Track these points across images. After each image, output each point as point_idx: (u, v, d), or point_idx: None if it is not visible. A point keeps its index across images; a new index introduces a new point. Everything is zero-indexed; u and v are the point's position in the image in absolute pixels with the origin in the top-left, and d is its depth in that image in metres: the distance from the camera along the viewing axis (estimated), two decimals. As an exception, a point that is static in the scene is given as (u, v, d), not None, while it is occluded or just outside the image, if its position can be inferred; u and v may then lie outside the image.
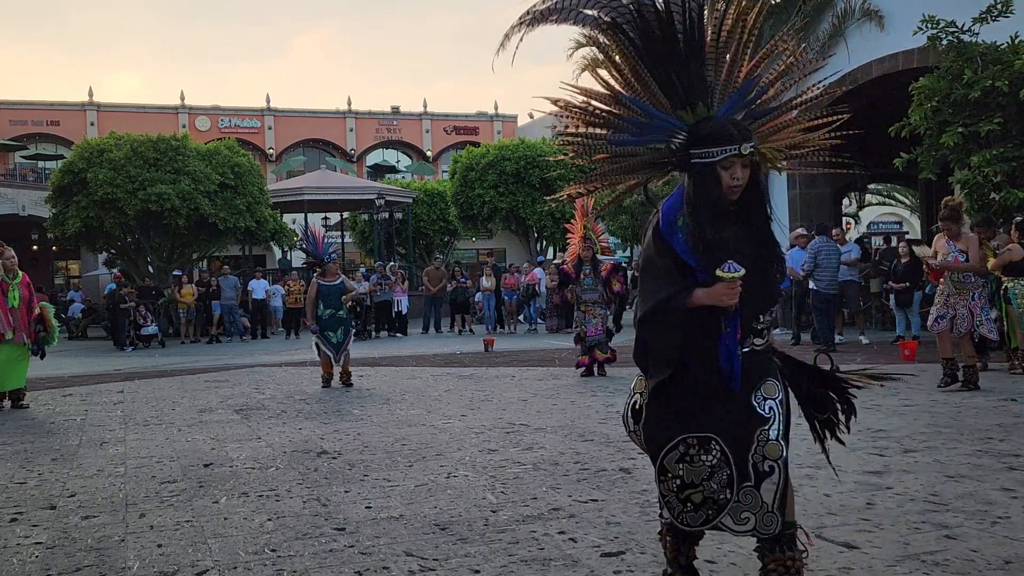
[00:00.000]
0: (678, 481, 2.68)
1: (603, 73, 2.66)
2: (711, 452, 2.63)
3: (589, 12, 2.62)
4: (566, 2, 2.64)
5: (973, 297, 7.88)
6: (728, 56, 2.65)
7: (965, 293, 7.88)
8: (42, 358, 9.19)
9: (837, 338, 12.86)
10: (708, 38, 2.62)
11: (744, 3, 2.63)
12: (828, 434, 2.98)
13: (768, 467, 2.62)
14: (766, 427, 2.64)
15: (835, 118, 2.75)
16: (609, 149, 2.72)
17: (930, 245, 8.98)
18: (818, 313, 12.65)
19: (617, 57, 2.62)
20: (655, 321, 2.67)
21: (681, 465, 2.66)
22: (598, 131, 2.72)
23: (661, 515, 2.89)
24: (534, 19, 2.71)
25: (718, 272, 2.57)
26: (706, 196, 2.61)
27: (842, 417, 2.95)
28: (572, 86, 2.74)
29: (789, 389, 2.80)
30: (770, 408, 2.66)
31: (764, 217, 2.70)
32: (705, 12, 2.62)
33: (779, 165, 2.84)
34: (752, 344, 2.70)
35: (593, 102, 2.70)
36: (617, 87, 2.66)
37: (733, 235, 2.62)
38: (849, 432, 2.99)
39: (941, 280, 8.11)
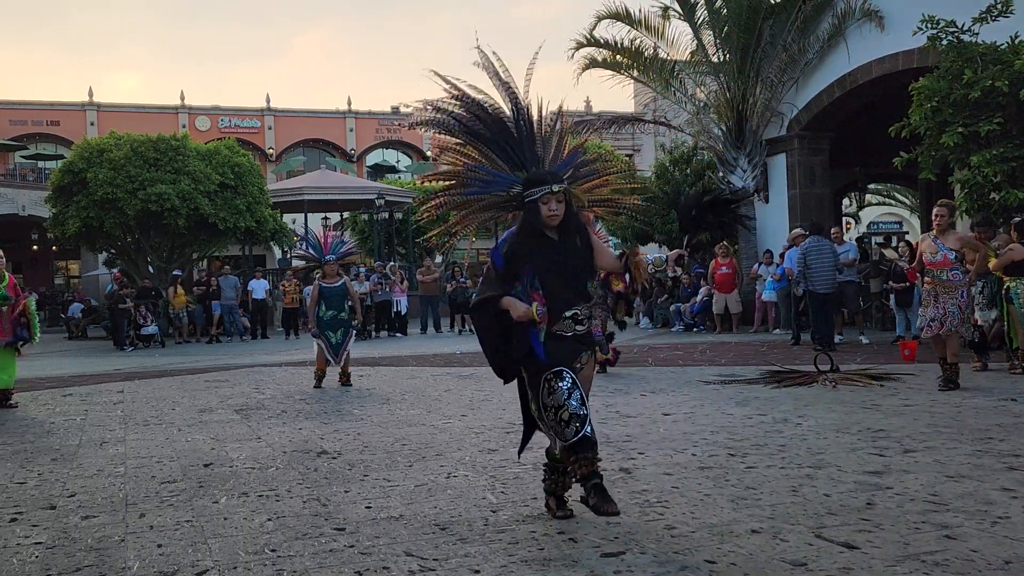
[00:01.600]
0: (552, 412, 3.67)
1: (458, 153, 4.01)
2: (564, 379, 3.67)
3: (452, 120, 3.95)
4: (435, 120, 3.97)
5: (961, 295, 7.86)
6: (554, 140, 4.01)
7: (953, 292, 7.86)
8: (20, 355, 9.03)
9: (837, 338, 12.81)
10: (536, 129, 3.95)
11: (559, 108, 4.03)
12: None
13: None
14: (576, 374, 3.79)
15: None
16: (463, 198, 3.96)
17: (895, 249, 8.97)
18: (813, 314, 12.60)
19: (467, 144, 3.97)
20: (477, 311, 3.94)
21: (550, 397, 3.68)
22: (454, 185, 3.99)
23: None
24: (412, 126, 4.12)
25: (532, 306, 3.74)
26: (531, 222, 3.80)
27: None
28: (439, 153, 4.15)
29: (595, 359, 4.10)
30: (586, 358, 3.91)
31: (575, 237, 3.84)
32: (533, 114, 3.94)
33: (586, 205, 4.10)
34: (575, 330, 3.83)
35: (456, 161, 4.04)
36: (466, 160, 3.98)
37: (547, 249, 3.78)
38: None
39: (927, 280, 8.06)
